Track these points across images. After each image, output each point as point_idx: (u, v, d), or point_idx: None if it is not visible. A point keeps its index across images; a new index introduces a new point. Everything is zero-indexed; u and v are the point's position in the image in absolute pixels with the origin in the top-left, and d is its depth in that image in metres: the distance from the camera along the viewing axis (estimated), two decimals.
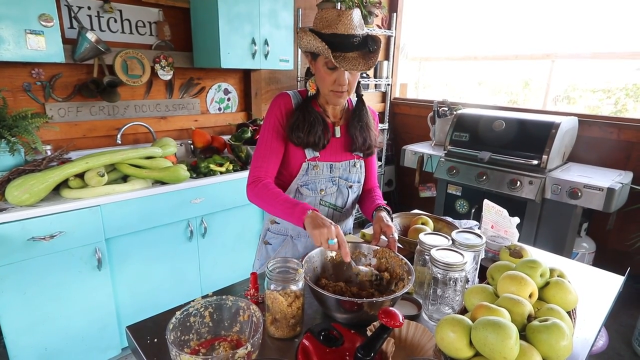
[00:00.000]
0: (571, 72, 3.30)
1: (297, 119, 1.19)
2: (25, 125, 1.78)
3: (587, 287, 1.17)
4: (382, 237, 1.15)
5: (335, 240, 0.99)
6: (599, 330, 0.99)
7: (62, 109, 2.13)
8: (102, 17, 2.17)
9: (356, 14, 1.10)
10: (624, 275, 1.25)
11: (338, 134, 1.28)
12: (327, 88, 1.16)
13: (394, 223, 1.38)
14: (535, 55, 3.20)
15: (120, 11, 2.22)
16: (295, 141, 1.20)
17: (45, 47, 1.71)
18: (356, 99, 1.32)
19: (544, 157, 2.32)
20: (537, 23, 3.37)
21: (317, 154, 1.24)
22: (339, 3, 2.69)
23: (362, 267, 1.06)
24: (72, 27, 2.07)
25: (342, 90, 1.14)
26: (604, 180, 2.22)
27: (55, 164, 1.84)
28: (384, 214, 1.20)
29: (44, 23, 1.69)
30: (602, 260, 2.63)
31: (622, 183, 2.18)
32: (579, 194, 2.19)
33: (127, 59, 2.24)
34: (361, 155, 1.32)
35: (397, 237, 1.12)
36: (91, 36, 1.99)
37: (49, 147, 2.01)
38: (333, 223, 1.02)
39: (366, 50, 1.10)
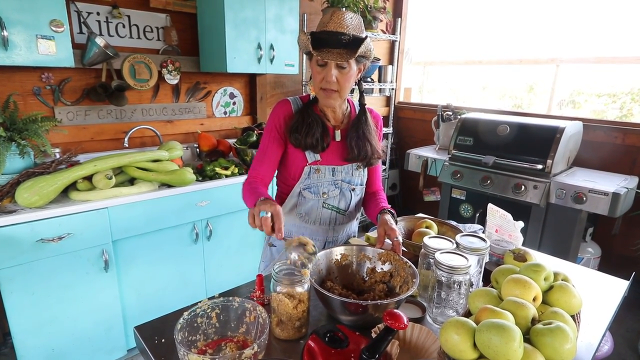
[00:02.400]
0: (576, 77, 3.30)
1: (296, 121, 1.22)
2: (35, 128, 1.81)
3: (592, 291, 1.18)
4: (387, 240, 1.16)
5: (269, 214, 0.96)
6: (604, 335, 0.99)
7: (70, 112, 2.16)
8: (111, 22, 2.20)
9: (352, 16, 1.12)
10: (628, 280, 1.25)
11: (338, 138, 1.29)
12: (317, 86, 1.19)
13: (398, 226, 1.39)
14: (539, 60, 3.20)
15: (129, 16, 2.26)
16: (294, 142, 1.23)
17: (55, 52, 1.75)
18: (359, 107, 1.33)
19: (549, 161, 2.32)
20: (541, 27, 3.38)
21: (319, 157, 1.25)
22: (344, 9, 2.71)
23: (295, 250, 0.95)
24: (81, 32, 2.10)
25: (330, 88, 1.16)
26: (609, 185, 2.22)
27: (64, 167, 1.87)
28: (388, 217, 1.21)
29: (54, 28, 1.72)
30: (607, 265, 2.62)
31: (627, 188, 2.17)
32: (584, 198, 2.19)
33: (134, 64, 2.28)
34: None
35: (401, 240, 1.13)
36: (100, 41, 2.02)
37: (57, 150, 2.04)
38: (274, 203, 1.00)
39: (354, 49, 1.11)
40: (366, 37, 1.13)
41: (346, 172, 1.30)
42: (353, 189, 1.33)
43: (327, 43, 1.10)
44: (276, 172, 1.34)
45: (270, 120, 1.27)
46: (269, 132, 1.26)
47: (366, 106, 1.32)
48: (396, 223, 1.22)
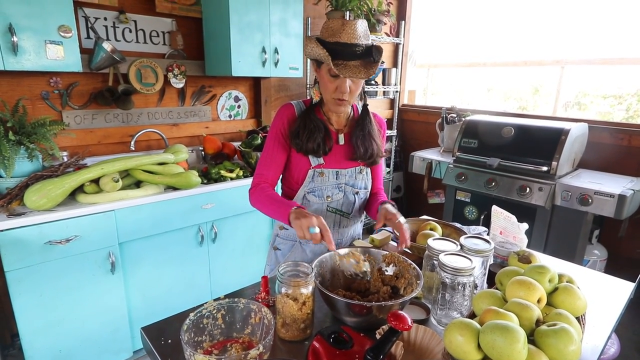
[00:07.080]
0: (581, 78, 3.28)
1: (297, 125, 1.23)
2: (43, 132, 1.83)
3: (597, 293, 1.17)
4: (392, 242, 1.16)
5: (317, 229, 1.01)
6: (609, 337, 0.98)
7: (78, 116, 2.19)
8: (118, 27, 2.23)
9: (361, 24, 1.13)
10: (635, 282, 1.24)
11: (342, 142, 1.30)
12: (330, 95, 1.19)
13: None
14: (544, 62, 3.19)
15: (135, 21, 2.29)
16: (295, 147, 1.24)
17: (63, 56, 1.77)
18: (361, 108, 1.34)
19: (554, 163, 2.31)
20: (546, 29, 3.37)
21: (322, 160, 1.26)
22: (348, 12, 2.73)
23: (349, 263, 1.08)
24: (88, 37, 2.13)
25: (344, 98, 1.17)
26: (615, 186, 2.20)
27: (72, 170, 1.89)
28: (388, 205, 1.23)
29: (63, 34, 1.75)
30: (614, 267, 2.59)
31: (633, 190, 2.16)
32: (590, 200, 2.17)
33: (141, 68, 2.30)
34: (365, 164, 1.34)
35: (404, 222, 1.15)
36: (107, 46, 2.05)
37: (65, 153, 2.07)
38: (316, 215, 1.05)
39: (369, 59, 1.12)
40: (380, 49, 1.13)
41: (350, 175, 1.31)
42: (357, 192, 1.34)
43: (341, 55, 1.10)
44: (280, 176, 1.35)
45: (274, 125, 1.28)
46: (274, 137, 1.27)
47: (369, 108, 1.33)
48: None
